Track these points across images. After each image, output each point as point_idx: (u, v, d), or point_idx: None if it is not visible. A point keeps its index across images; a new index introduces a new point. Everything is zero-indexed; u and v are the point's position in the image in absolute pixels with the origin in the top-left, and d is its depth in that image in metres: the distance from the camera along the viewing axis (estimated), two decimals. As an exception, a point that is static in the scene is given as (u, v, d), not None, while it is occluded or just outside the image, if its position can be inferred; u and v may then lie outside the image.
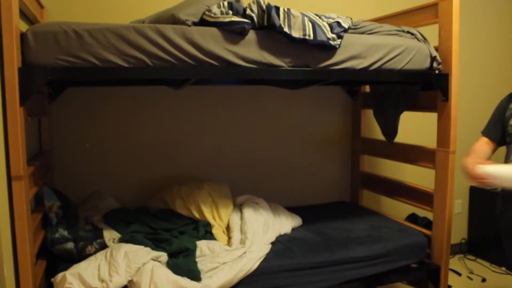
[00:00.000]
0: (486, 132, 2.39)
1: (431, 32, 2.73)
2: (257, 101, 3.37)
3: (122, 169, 3.07)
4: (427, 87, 2.78)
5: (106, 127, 3.01)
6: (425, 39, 2.67)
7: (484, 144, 2.35)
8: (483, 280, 3.46)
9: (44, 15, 2.67)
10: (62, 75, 1.94)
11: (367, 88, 3.48)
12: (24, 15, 2.27)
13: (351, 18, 2.60)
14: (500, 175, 2.01)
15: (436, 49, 2.68)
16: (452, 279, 3.26)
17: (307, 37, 2.23)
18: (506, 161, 2.21)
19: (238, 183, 3.24)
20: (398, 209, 3.71)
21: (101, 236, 2.41)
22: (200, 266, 2.22)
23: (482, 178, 2.01)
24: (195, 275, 2.14)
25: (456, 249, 4.09)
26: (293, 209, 3.10)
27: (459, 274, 3.51)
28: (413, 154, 2.99)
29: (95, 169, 3.01)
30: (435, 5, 2.68)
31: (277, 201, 3.15)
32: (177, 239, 2.46)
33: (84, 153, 2.98)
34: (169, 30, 2.05)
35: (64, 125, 2.93)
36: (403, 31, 2.69)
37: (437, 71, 2.64)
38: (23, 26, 2.13)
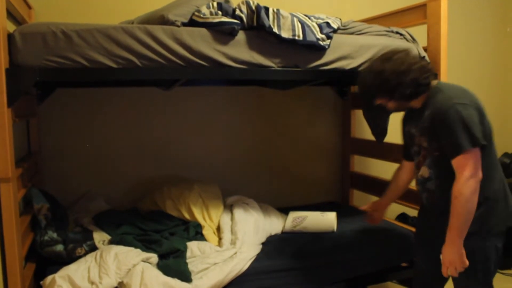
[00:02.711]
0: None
1: (419, 32, 2.75)
2: (246, 102, 3.37)
3: (112, 171, 3.06)
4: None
5: (96, 128, 3.00)
6: (413, 39, 2.68)
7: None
8: None
9: (32, 16, 2.65)
10: (50, 76, 1.92)
11: (357, 89, 3.49)
12: (12, 15, 2.25)
13: (340, 19, 2.61)
14: None
15: (425, 49, 2.70)
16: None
17: (296, 38, 2.24)
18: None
19: (229, 184, 3.24)
20: (388, 209, 3.71)
21: (91, 238, 2.39)
22: (190, 267, 2.22)
23: None
24: (185, 276, 2.14)
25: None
26: (283, 210, 3.10)
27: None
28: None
29: (84, 171, 3.00)
30: (423, 6, 2.69)
31: (268, 202, 3.15)
32: (168, 240, 2.45)
33: (74, 155, 2.96)
34: (159, 30, 2.04)
35: (53, 127, 2.91)
36: (392, 31, 2.71)
37: (426, 71, 2.65)
38: (11, 27, 2.11)
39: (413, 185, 2.88)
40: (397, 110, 2.17)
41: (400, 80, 1.96)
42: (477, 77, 4.22)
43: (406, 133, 2.25)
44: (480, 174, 1.89)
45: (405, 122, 2.25)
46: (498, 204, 2.02)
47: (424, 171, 2.10)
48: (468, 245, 1.93)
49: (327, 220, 2.81)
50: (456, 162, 1.91)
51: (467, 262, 1.93)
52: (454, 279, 2.10)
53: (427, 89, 2.03)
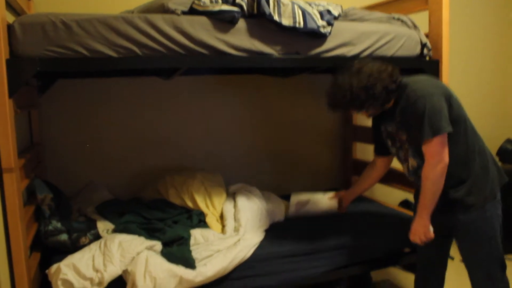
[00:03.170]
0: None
1: (421, 19, 2.74)
2: (248, 91, 3.36)
3: (115, 161, 3.07)
4: (417, 73, 2.78)
5: (98, 119, 3.00)
6: (415, 26, 2.67)
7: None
8: (451, 258, 3.49)
9: (32, 7, 2.65)
10: (50, 66, 1.92)
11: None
12: (11, 6, 2.25)
13: (341, 6, 2.60)
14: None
15: (427, 35, 2.68)
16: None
17: (297, 25, 2.23)
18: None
19: (231, 172, 3.25)
20: (391, 196, 3.73)
21: (95, 227, 2.41)
22: (194, 254, 2.24)
23: None
24: (189, 263, 2.15)
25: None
26: (286, 197, 3.10)
27: (452, 258, 3.54)
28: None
29: (87, 161, 3.01)
30: (424, -9, 2.68)
31: (270, 189, 3.16)
32: (171, 228, 2.47)
33: (76, 146, 2.97)
34: (159, 19, 2.03)
35: (55, 118, 2.91)
36: (393, 18, 2.69)
37: (427, 58, 2.65)
38: (10, 18, 2.11)
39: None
40: (372, 115, 2.28)
41: (369, 94, 2.07)
42: (479, 63, 4.20)
43: (383, 132, 2.33)
44: (446, 159, 2.02)
45: (379, 121, 2.34)
46: (489, 171, 2.14)
47: (412, 162, 2.21)
48: (471, 218, 2.11)
49: (330, 200, 2.80)
50: (424, 149, 2.05)
51: (431, 235, 2.15)
52: (466, 256, 2.21)
53: (397, 91, 2.13)
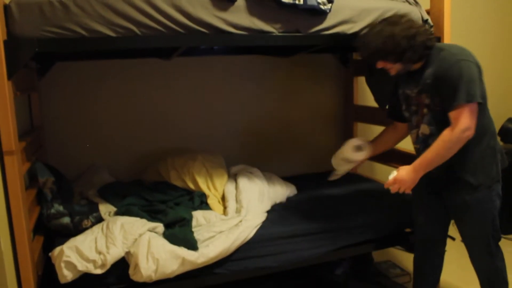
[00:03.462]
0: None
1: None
2: (248, 71, 3.34)
3: (116, 143, 3.06)
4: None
5: (98, 101, 2.99)
6: (416, 2, 2.63)
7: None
8: (453, 239, 3.52)
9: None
10: (49, 47, 1.89)
11: (359, 56, 3.46)
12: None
13: (341, -18, 2.56)
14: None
15: (428, 12, 2.65)
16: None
17: (296, 2, 2.20)
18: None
19: (232, 154, 3.25)
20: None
21: (97, 210, 2.41)
22: (196, 235, 2.23)
23: None
24: (192, 244, 2.15)
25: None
26: (287, 179, 3.11)
27: (453, 239, 3.56)
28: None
29: (88, 144, 3.00)
30: (426, -33, 2.64)
31: (271, 171, 3.15)
32: (173, 210, 2.46)
33: (77, 129, 2.97)
34: (157, -2, 2.00)
35: (55, 101, 2.90)
36: (394, -6, 2.66)
37: (429, 35, 2.62)
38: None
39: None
40: (398, 73, 2.21)
41: (410, 44, 2.03)
42: (481, 40, 4.16)
43: (400, 95, 2.31)
44: (473, 129, 1.99)
45: (399, 84, 2.32)
46: (496, 153, 2.15)
47: (424, 129, 2.18)
48: (478, 196, 2.12)
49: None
50: (453, 114, 2.00)
51: (410, 191, 2.17)
52: (469, 235, 2.24)
53: (431, 50, 2.10)
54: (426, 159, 2.08)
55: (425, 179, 2.19)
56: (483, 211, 2.14)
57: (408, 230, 2.80)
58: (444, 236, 2.43)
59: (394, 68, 2.16)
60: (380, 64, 2.15)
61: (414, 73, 2.17)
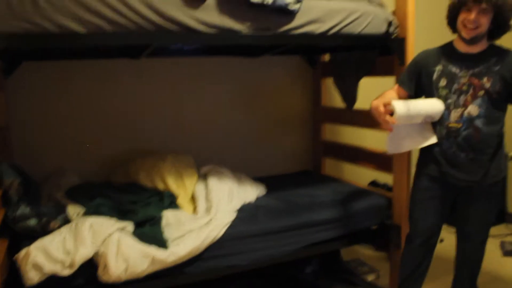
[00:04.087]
0: (401, 82, 2.49)
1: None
2: (217, 73, 3.35)
3: (84, 145, 3.01)
4: (384, 52, 2.83)
5: (66, 102, 2.94)
6: (381, 4, 2.71)
7: (395, 92, 2.48)
8: (441, 240, 3.60)
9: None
10: (17, 43, 1.85)
11: (327, 57, 3.52)
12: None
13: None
14: (408, 112, 2.26)
15: (394, 14, 2.73)
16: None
17: (265, 2, 2.22)
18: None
19: (202, 154, 3.24)
20: (360, 177, 3.79)
21: (64, 211, 2.37)
22: (166, 234, 2.23)
23: (391, 121, 2.25)
24: (162, 243, 2.14)
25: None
26: (257, 179, 3.13)
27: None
28: (373, 119, 3.03)
29: (56, 145, 2.94)
30: (391, -30, 2.72)
31: (241, 171, 3.16)
32: (143, 209, 2.44)
33: (44, 130, 2.90)
34: (128, -5, 1.99)
35: (22, 101, 2.84)
36: (360, -4, 2.72)
37: (393, 36, 2.69)
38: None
39: (384, 148, 2.94)
40: (472, 36, 2.20)
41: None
42: (445, 41, 4.26)
43: (437, 72, 2.34)
44: None
45: (435, 61, 2.37)
46: (504, 149, 2.34)
47: (474, 110, 2.23)
48: (495, 192, 2.35)
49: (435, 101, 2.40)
50: None
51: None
52: (473, 223, 2.39)
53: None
54: None
55: (445, 186, 2.36)
56: (493, 203, 2.36)
57: (374, 227, 2.86)
58: (440, 228, 2.51)
59: (483, 27, 2.17)
60: (483, 18, 2.14)
61: (470, 55, 2.25)
